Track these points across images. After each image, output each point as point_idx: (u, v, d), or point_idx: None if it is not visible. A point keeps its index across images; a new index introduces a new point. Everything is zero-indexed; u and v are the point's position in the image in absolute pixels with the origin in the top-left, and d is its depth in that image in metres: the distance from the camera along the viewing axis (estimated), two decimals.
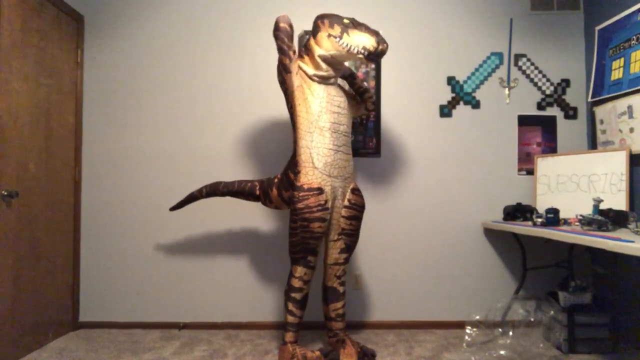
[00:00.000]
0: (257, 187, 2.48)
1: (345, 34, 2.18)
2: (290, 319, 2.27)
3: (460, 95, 3.00)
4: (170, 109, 2.96)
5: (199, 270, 2.93)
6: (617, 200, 2.50)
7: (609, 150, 2.63)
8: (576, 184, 2.73)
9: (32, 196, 2.47)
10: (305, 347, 2.35)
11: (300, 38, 2.94)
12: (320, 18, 2.27)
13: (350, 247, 2.36)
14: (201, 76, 2.96)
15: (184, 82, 2.96)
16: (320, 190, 2.17)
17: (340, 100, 2.30)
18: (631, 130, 2.55)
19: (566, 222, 2.52)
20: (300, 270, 2.24)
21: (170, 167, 2.94)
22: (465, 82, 3.00)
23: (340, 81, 2.63)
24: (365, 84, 2.58)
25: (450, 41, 3.01)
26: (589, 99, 2.92)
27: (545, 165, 2.90)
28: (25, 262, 2.41)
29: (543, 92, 3.01)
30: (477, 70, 3.00)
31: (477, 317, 2.83)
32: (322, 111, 2.22)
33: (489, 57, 3.01)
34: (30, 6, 2.46)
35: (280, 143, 2.95)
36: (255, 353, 2.47)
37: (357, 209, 2.33)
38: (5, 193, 2.23)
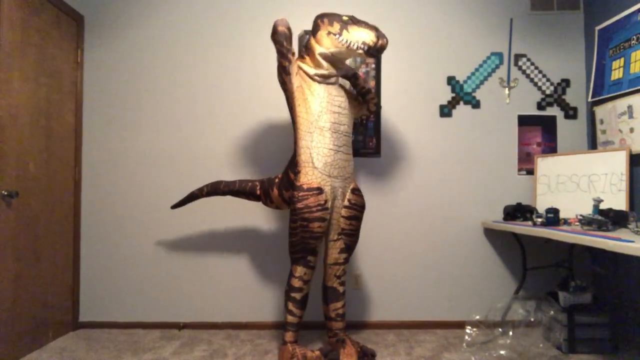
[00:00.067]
0: (258, 187, 2.49)
1: (344, 31, 2.20)
2: (290, 318, 2.27)
3: (460, 95, 3.00)
4: (170, 109, 2.96)
5: (199, 270, 2.93)
6: (617, 200, 2.50)
7: (609, 150, 2.63)
8: (576, 184, 2.73)
9: (32, 196, 2.47)
10: (305, 347, 2.35)
11: (300, 38, 2.94)
12: (320, 17, 2.29)
13: (350, 247, 2.36)
14: (201, 76, 2.96)
15: (184, 82, 2.96)
16: (319, 190, 2.17)
17: (341, 100, 2.30)
18: (631, 130, 2.55)
19: (566, 222, 2.52)
20: (300, 270, 2.24)
21: (170, 167, 2.94)
22: (465, 82, 3.00)
23: (342, 81, 2.63)
24: (367, 84, 2.58)
25: (450, 41, 3.01)
26: (589, 99, 2.92)
27: (545, 165, 2.90)
28: (25, 262, 2.41)
29: (543, 92, 3.01)
30: (477, 70, 3.00)
31: (477, 317, 2.83)
32: (322, 111, 2.22)
33: (489, 57, 3.01)
34: (30, 6, 2.46)
35: (280, 143, 2.95)
36: (255, 353, 2.47)
37: (357, 209, 2.33)
38: (5, 193, 2.23)
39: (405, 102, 2.99)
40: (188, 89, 2.96)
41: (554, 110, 3.01)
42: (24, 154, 2.40)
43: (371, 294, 2.95)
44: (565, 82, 3.01)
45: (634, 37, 2.54)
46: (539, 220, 2.45)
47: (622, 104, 2.62)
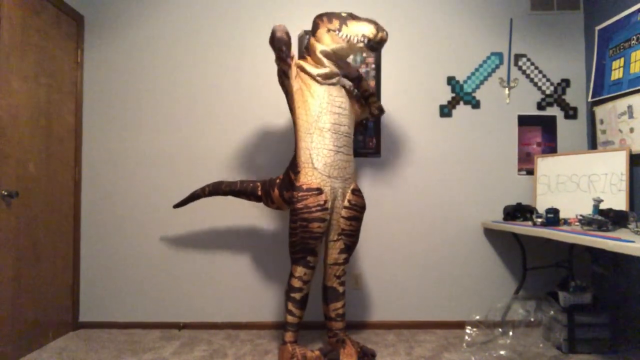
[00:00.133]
0: (259, 188, 2.49)
1: (343, 26, 2.21)
2: (290, 318, 2.27)
3: (460, 95, 3.00)
4: (170, 109, 2.96)
5: (199, 270, 2.93)
6: (617, 200, 2.50)
7: (609, 150, 2.63)
8: (576, 184, 2.73)
9: (32, 196, 2.47)
10: (305, 347, 2.35)
11: (300, 38, 2.94)
12: (319, 16, 2.31)
13: (350, 248, 2.36)
14: (201, 76, 2.96)
15: (184, 82, 2.96)
16: (319, 191, 2.17)
17: (342, 100, 2.30)
18: (631, 130, 2.55)
19: (566, 222, 2.52)
20: (299, 271, 2.24)
21: (170, 167, 2.94)
22: (465, 82, 3.00)
23: (343, 81, 2.62)
24: (371, 88, 2.59)
25: (450, 41, 3.01)
26: (589, 99, 2.92)
27: (545, 165, 2.90)
28: (25, 262, 2.41)
29: (543, 92, 3.01)
30: (477, 70, 3.00)
31: (477, 317, 2.83)
32: (322, 112, 2.22)
33: (489, 57, 3.01)
34: (30, 6, 2.46)
35: (280, 143, 2.95)
36: (255, 353, 2.47)
37: (357, 210, 2.33)
38: (5, 193, 2.23)
39: (405, 102, 2.99)
40: (188, 89, 2.96)
41: (554, 110, 3.01)
42: (24, 154, 2.40)
43: (371, 294, 2.95)
44: (565, 82, 3.01)
45: (634, 37, 2.53)
46: (539, 220, 2.45)
47: (622, 104, 2.62)
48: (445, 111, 2.99)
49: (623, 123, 2.61)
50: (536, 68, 3.01)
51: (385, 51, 2.99)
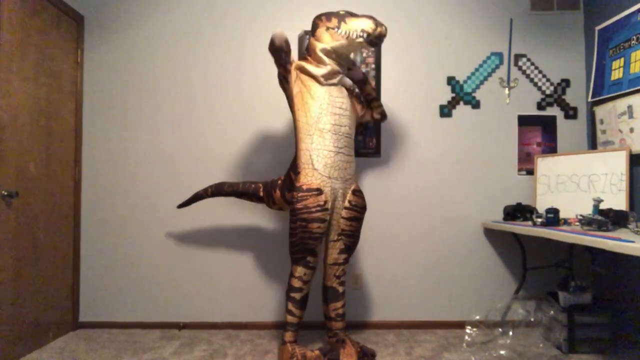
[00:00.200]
0: (261, 189, 2.50)
1: (342, 23, 2.23)
2: (290, 318, 2.28)
3: (460, 95, 3.00)
4: (170, 109, 2.96)
5: (199, 270, 2.93)
6: (617, 200, 2.50)
7: (609, 150, 2.63)
8: (576, 184, 2.73)
9: (32, 196, 2.47)
10: (305, 347, 2.35)
11: (301, 38, 2.94)
12: (318, 16, 2.34)
13: (350, 248, 2.36)
14: (201, 76, 2.96)
15: (184, 82, 2.96)
16: (319, 191, 2.17)
17: (343, 101, 2.30)
18: (631, 130, 2.55)
19: (566, 222, 2.52)
20: (299, 271, 2.24)
21: (170, 167, 2.94)
22: (465, 82, 3.00)
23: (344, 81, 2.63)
24: (374, 92, 2.60)
25: (450, 41, 3.01)
26: (589, 99, 2.92)
27: (545, 165, 2.90)
28: (25, 262, 2.41)
29: (543, 92, 3.01)
30: (477, 70, 3.00)
31: (477, 317, 2.83)
32: (322, 113, 2.23)
33: (489, 57, 3.01)
34: (30, 6, 2.46)
35: (281, 143, 2.95)
36: (255, 353, 2.47)
37: (357, 210, 2.33)
38: (5, 193, 2.23)
39: (405, 102, 2.99)
40: (188, 89, 2.96)
41: (554, 110, 3.01)
42: (24, 154, 2.40)
43: (371, 294, 2.95)
44: (565, 82, 3.01)
45: (634, 37, 2.53)
46: (539, 220, 2.45)
47: (622, 104, 2.62)
48: (445, 111, 2.99)
49: (623, 123, 2.61)
50: (536, 68, 3.01)
51: (385, 51, 2.99)
